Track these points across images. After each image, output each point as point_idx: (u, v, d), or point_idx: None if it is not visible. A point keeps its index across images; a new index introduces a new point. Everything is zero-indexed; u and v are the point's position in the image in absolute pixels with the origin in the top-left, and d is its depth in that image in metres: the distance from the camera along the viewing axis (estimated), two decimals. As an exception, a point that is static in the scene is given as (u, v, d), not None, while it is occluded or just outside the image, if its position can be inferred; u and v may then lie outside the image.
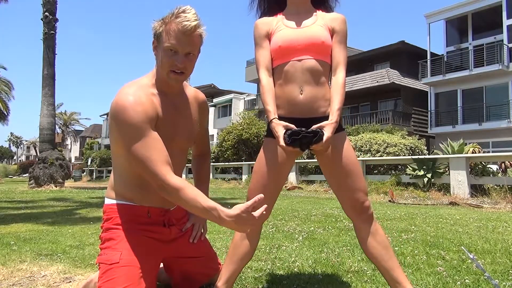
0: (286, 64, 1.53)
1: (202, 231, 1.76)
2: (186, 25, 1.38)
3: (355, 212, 1.55)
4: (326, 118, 1.48)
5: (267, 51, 1.56)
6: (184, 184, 1.34)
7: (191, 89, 1.69)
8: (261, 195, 1.28)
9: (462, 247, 2.61)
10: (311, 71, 1.51)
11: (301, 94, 1.51)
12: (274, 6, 1.69)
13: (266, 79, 1.54)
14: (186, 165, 1.78)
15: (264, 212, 1.30)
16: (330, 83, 1.56)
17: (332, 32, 1.56)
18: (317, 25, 1.56)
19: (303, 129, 1.39)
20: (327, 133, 1.40)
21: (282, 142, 1.39)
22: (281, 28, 1.56)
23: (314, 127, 1.42)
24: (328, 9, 1.69)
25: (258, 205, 1.29)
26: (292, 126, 1.41)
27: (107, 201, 1.59)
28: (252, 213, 1.26)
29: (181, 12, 1.41)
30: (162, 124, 1.47)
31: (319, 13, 1.61)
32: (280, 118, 1.49)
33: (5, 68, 48.87)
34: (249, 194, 1.55)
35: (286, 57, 1.53)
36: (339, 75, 1.53)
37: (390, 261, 1.51)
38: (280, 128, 1.42)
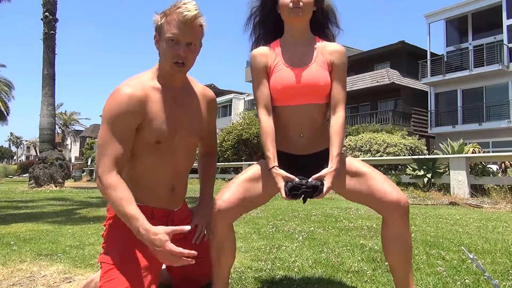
0: (286, 107, 1.51)
1: (205, 232, 1.76)
2: (186, 15, 1.40)
3: (392, 211, 1.42)
4: (326, 151, 1.48)
5: (266, 88, 1.51)
6: (116, 184, 1.36)
7: (199, 86, 1.68)
8: (188, 227, 1.32)
9: (462, 247, 2.61)
10: (311, 116, 1.52)
11: (301, 136, 1.53)
12: (270, 33, 1.61)
13: (265, 120, 1.49)
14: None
15: (191, 261, 1.30)
16: (329, 119, 1.54)
17: (331, 67, 1.52)
18: (317, 64, 1.50)
19: (303, 182, 1.37)
20: (327, 183, 1.38)
21: (283, 195, 1.38)
22: (280, 67, 1.51)
23: (314, 177, 1.39)
24: (328, 36, 1.62)
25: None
26: (292, 177, 1.38)
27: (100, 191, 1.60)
28: (172, 247, 1.27)
29: (182, 3, 1.43)
30: (159, 118, 1.48)
31: (319, 45, 1.54)
32: (280, 153, 1.49)
33: (4, 66, 49.06)
34: (223, 197, 1.46)
35: (286, 101, 1.51)
36: (339, 115, 1.49)
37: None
38: (280, 179, 1.40)
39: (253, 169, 1.55)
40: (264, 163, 1.51)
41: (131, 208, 1.32)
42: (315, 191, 1.37)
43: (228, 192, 1.47)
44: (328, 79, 1.50)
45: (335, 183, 1.43)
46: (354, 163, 1.52)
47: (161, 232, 1.28)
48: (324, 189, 1.37)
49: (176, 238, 1.63)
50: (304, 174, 1.45)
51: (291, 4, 1.47)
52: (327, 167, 1.43)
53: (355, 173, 1.48)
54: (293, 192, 1.37)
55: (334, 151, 1.44)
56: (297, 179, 1.39)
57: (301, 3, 1.47)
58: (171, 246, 1.27)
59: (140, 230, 1.29)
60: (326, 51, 1.53)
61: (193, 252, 1.29)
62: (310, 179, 1.39)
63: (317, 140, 1.55)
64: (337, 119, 1.49)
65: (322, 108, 1.54)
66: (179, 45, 1.43)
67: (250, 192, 1.48)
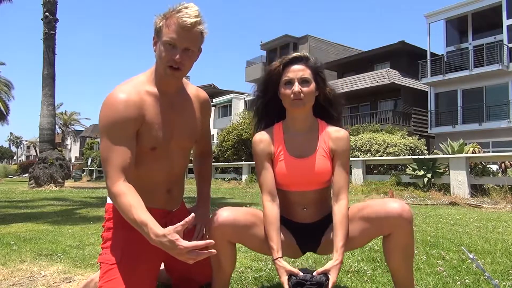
0: (289, 192, 1.53)
1: (204, 232, 1.75)
2: (185, 20, 1.37)
3: (398, 226, 1.39)
4: (329, 216, 1.49)
5: (270, 174, 1.51)
6: (124, 191, 1.32)
7: (193, 88, 1.67)
8: (192, 215, 1.22)
9: (462, 247, 2.61)
10: (313, 199, 1.54)
11: (304, 210, 1.55)
12: (273, 114, 1.62)
13: (269, 207, 1.47)
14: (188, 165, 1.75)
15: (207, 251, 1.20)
16: (331, 197, 1.54)
17: (334, 154, 1.52)
18: (320, 154, 1.51)
19: (308, 277, 1.33)
20: (333, 277, 1.34)
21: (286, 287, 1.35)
22: (283, 157, 1.51)
23: (319, 271, 1.35)
24: (332, 117, 1.61)
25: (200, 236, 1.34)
26: (296, 271, 1.35)
27: (109, 200, 1.59)
28: (185, 244, 1.18)
29: (183, 7, 1.40)
30: (155, 123, 1.46)
31: (321, 133, 1.54)
32: (284, 219, 1.50)
33: (4, 64, 49.08)
34: (229, 214, 1.43)
35: (289, 187, 1.53)
36: (342, 204, 1.47)
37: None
38: (283, 272, 1.36)
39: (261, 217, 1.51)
40: None
41: (141, 214, 1.27)
42: (320, 287, 1.32)
43: (234, 212, 1.44)
44: (329, 168, 1.51)
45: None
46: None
47: (170, 233, 1.20)
48: (330, 285, 1.33)
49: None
50: (306, 238, 1.48)
51: (292, 95, 1.47)
52: (328, 230, 1.48)
53: (350, 219, 1.47)
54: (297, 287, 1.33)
55: (338, 243, 1.41)
56: (301, 273, 1.34)
57: (302, 95, 1.46)
58: (183, 244, 1.19)
59: (151, 236, 1.23)
60: (330, 138, 1.54)
61: (209, 241, 1.24)
62: (314, 273, 1.35)
63: (319, 211, 1.57)
64: (340, 207, 1.46)
65: (325, 190, 1.56)
66: (175, 49, 1.40)
67: (254, 229, 1.46)
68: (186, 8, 1.40)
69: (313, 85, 1.50)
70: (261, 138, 1.55)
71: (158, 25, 1.43)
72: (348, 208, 1.48)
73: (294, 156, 1.51)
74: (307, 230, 1.55)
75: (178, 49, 1.40)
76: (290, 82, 1.48)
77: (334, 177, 1.51)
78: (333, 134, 1.54)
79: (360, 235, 1.46)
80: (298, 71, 1.49)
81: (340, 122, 1.62)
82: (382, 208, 1.40)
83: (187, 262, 1.24)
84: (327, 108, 1.60)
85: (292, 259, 2.36)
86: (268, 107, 1.62)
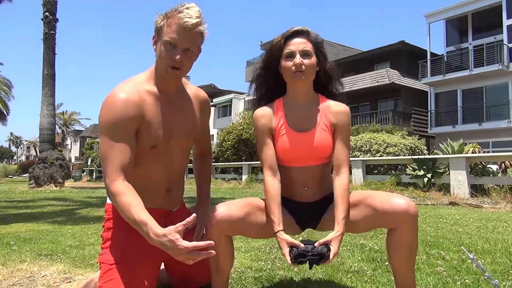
0: (290, 167, 1.53)
1: (204, 232, 1.75)
2: (187, 21, 1.38)
3: (403, 221, 1.38)
4: (330, 196, 1.50)
5: (271, 149, 1.52)
6: (123, 191, 1.32)
7: (192, 87, 1.67)
8: (194, 215, 1.21)
9: (462, 247, 2.61)
10: (314, 175, 1.54)
11: (305, 188, 1.55)
12: (273, 91, 1.62)
13: (271, 182, 1.48)
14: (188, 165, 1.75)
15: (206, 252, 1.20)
16: (332, 174, 1.54)
17: (335, 128, 1.52)
18: (320, 128, 1.51)
19: (309, 248, 1.34)
20: (334, 248, 1.35)
21: (288, 261, 1.35)
22: (284, 131, 1.52)
23: (320, 242, 1.36)
24: (332, 92, 1.62)
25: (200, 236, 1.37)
26: (297, 243, 1.35)
27: (109, 200, 1.59)
28: (185, 244, 1.18)
29: (185, 8, 1.40)
30: (155, 122, 1.47)
31: (322, 106, 1.55)
32: (284, 199, 1.50)
33: (1, 64, 49.07)
34: (225, 209, 1.44)
35: (290, 163, 1.53)
36: (343, 177, 1.48)
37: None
38: (284, 245, 1.37)
39: (262, 203, 1.52)
40: None
41: (140, 213, 1.27)
42: (321, 258, 1.33)
43: (228, 207, 1.44)
44: (330, 143, 1.52)
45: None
46: (353, 195, 1.51)
47: (170, 232, 1.20)
48: (331, 255, 1.34)
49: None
50: (306, 217, 1.47)
51: (293, 67, 1.47)
52: (329, 210, 1.48)
53: (354, 204, 1.47)
54: (298, 259, 1.34)
55: (339, 215, 1.41)
56: (302, 245, 1.35)
57: (303, 67, 1.47)
58: (183, 244, 1.18)
59: (150, 235, 1.22)
60: (330, 112, 1.54)
61: (209, 242, 1.23)
62: (316, 244, 1.36)
63: (320, 190, 1.57)
64: (341, 181, 1.47)
65: (326, 166, 1.56)
66: (176, 49, 1.41)
67: (250, 218, 1.46)
68: (188, 8, 1.40)
69: (314, 59, 1.50)
70: (262, 113, 1.56)
71: (159, 24, 1.43)
72: (350, 182, 1.50)
73: (295, 130, 1.52)
74: (308, 209, 1.55)
75: (179, 49, 1.41)
76: (291, 55, 1.49)
77: (335, 151, 1.51)
78: (334, 108, 1.55)
79: (363, 222, 1.46)
80: (299, 44, 1.49)
81: (339, 99, 1.62)
82: (388, 201, 1.39)
83: (186, 263, 1.24)
84: (327, 85, 1.61)
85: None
86: (269, 84, 1.62)
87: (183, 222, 1.22)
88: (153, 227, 1.23)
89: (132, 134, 1.42)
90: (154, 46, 1.48)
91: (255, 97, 1.66)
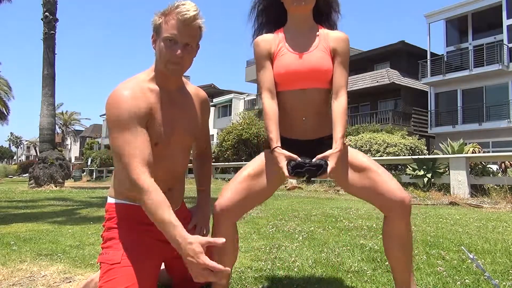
0: (289, 92, 1.52)
1: (205, 232, 1.76)
2: (185, 14, 1.39)
3: (395, 210, 1.42)
4: (329, 138, 1.47)
5: (270, 72, 1.52)
6: (154, 188, 1.31)
7: (192, 87, 1.68)
8: (223, 239, 1.24)
9: (462, 247, 2.61)
10: (314, 102, 1.52)
11: (304, 120, 1.53)
12: (273, 22, 1.63)
13: (269, 103, 1.49)
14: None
15: (223, 271, 1.21)
16: (331, 105, 1.54)
17: (334, 53, 1.52)
18: (319, 50, 1.51)
19: (307, 161, 1.36)
20: (332, 163, 1.37)
21: (286, 173, 1.37)
22: (283, 52, 1.52)
23: (318, 157, 1.38)
24: (331, 25, 1.63)
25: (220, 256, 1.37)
26: (295, 157, 1.38)
27: (110, 200, 1.59)
28: (206, 261, 1.19)
29: (181, 4, 1.42)
30: (158, 119, 1.47)
31: (322, 32, 1.55)
32: (283, 139, 1.48)
33: (0, 63, 49.14)
34: (226, 195, 1.48)
35: (289, 85, 1.51)
36: (341, 100, 1.48)
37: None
38: (282, 158, 1.39)
39: (255, 162, 1.55)
40: (267, 152, 1.52)
41: (170, 214, 1.27)
42: (319, 169, 1.35)
43: (230, 190, 1.47)
44: (330, 64, 1.51)
45: (338, 171, 1.43)
46: (358, 155, 1.51)
47: (195, 242, 1.21)
48: (329, 169, 1.36)
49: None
50: (303, 155, 1.43)
51: None
52: (325, 149, 1.43)
53: (359, 167, 1.48)
54: (296, 169, 1.35)
55: (337, 133, 1.43)
56: (300, 159, 1.37)
57: None
58: (204, 259, 1.20)
59: (177, 238, 1.23)
60: (329, 37, 1.54)
61: (227, 269, 1.23)
62: (314, 159, 1.38)
63: (320, 126, 1.54)
64: (340, 103, 1.48)
65: (324, 93, 1.53)
66: (176, 45, 1.42)
67: (253, 188, 1.49)
68: (184, 4, 1.42)
69: None
70: (262, 38, 1.57)
71: (157, 23, 1.45)
72: (347, 105, 1.49)
73: (294, 51, 1.52)
74: (306, 148, 1.51)
75: (179, 44, 1.42)
76: None
77: (334, 76, 1.51)
78: (333, 34, 1.56)
79: (359, 188, 1.48)
80: None
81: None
82: (388, 185, 1.42)
83: (195, 280, 1.25)
84: (326, 15, 1.63)
85: (292, 260, 2.36)
86: (269, 13, 1.64)
87: (210, 239, 1.25)
88: (182, 231, 1.25)
89: (145, 128, 1.42)
90: (154, 45, 1.49)
91: (255, 27, 1.67)
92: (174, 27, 1.40)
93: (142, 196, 1.31)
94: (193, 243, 1.21)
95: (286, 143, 1.48)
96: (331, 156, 1.39)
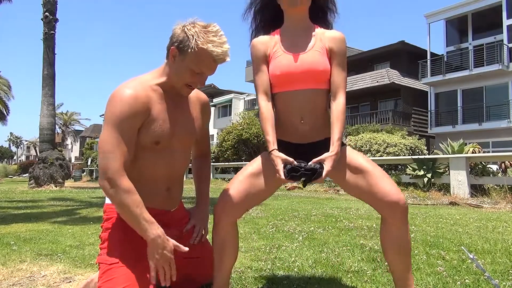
0: (286, 93, 1.51)
1: (203, 232, 1.76)
2: (221, 58, 1.42)
3: (391, 212, 1.42)
4: (327, 141, 1.47)
5: (266, 75, 1.52)
6: (131, 188, 1.38)
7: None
8: (186, 249, 1.44)
9: (462, 247, 2.61)
10: (311, 102, 1.51)
11: (302, 122, 1.51)
12: (270, 23, 1.63)
13: (265, 105, 1.49)
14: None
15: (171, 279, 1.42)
16: (329, 106, 1.53)
17: (331, 53, 1.51)
18: (315, 50, 1.50)
19: (302, 165, 1.37)
20: (327, 167, 1.38)
21: (282, 176, 1.38)
22: (279, 53, 1.51)
23: (314, 160, 1.39)
24: (327, 24, 1.63)
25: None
26: (291, 160, 1.39)
27: (107, 201, 1.60)
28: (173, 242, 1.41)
29: (213, 35, 1.40)
30: (159, 119, 1.49)
31: (318, 32, 1.54)
32: (280, 142, 1.48)
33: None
34: (227, 194, 1.50)
35: (285, 86, 1.50)
36: (339, 101, 1.48)
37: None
38: (279, 161, 1.40)
39: (256, 162, 1.55)
40: (266, 154, 1.51)
41: (147, 213, 1.39)
42: (313, 174, 1.36)
43: (231, 190, 1.48)
44: (327, 64, 1.49)
45: (335, 172, 1.43)
46: (356, 157, 1.50)
47: (166, 238, 1.41)
48: (324, 173, 1.37)
49: (176, 238, 1.64)
50: (301, 159, 1.43)
51: None
52: (323, 151, 1.43)
53: (356, 168, 1.47)
54: (291, 173, 1.36)
55: (335, 136, 1.43)
56: (295, 162, 1.38)
57: None
58: (174, 242, 1.41)
59: (159, 234, 1.38)
60: (325, 37, 1.53)
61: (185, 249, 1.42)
62: (310, 163, 1.39)
63: (318, 129, 1.53)
64: (338, 104, 1.48)
65: (322, 94, 1.52)
66: (201, 76, 1.47)
67: (254, 187, 1.49)
68: (220, 35, 1.41)
69: None
70: (258, 40, 1.57)
71: (185, 45, 1.41)
72: (345, 106, 1.48)
73: (290, 52, 1.51)
74: (304, 151, 1.50)
75: (204, 76, 1.47)
76: None
77: (332, 76, 1.50)
78: (330, 33, 1.55)
79: (354, 188, 1.48)
80: None
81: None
82: (383, 188, 1.41)
83: (151, 262, 1.40)
84: (323, 15, 1.62)
85: (292, 260, 2.36)
86: (265, 14, 1.64)
87: (179, 244, 1.45)
88: (160, 227, 1.41)
89: (136, 130, 1.45)
90: (172, 60, 1.47)
91: (252, 28, 1.67)
92: (206, 66, 1.43)
93: (121, 195, 1.36)
94: (169, 240, 1.41)
95: (283, 146, 1.48)
96: (327, 160, 1.39)
